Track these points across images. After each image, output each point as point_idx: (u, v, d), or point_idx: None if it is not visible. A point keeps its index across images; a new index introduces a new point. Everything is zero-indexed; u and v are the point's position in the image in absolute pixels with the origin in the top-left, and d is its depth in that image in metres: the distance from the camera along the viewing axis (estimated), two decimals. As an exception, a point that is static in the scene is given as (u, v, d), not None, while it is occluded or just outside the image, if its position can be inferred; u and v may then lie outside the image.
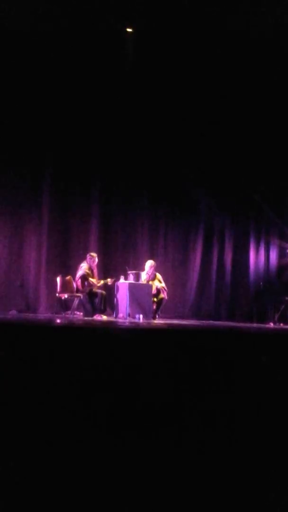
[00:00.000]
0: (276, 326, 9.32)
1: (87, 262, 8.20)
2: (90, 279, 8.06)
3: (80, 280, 8.06)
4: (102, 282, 8.22)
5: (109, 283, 8.25)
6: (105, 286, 8.26)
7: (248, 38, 8.20)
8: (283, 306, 9.84)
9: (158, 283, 8.63)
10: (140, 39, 8.42)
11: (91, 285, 8.03)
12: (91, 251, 8.63)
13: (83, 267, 8.10)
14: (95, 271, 8.34)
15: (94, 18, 7.86)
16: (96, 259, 8.33)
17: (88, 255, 8.33)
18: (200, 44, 8.39)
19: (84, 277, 8.04)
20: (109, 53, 8.57)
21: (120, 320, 7.74)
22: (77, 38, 8.21)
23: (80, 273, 8.07)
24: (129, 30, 8.48)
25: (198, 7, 7.62)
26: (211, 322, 9.57)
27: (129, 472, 2.15)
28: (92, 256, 8.29)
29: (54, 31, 8.01)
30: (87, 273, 8.06)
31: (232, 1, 7.59)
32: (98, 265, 8.55)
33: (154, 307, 8.49)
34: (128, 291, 7.96)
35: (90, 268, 8.17)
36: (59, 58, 8.51)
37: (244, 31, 8.07)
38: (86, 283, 8.04)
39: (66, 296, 8.11)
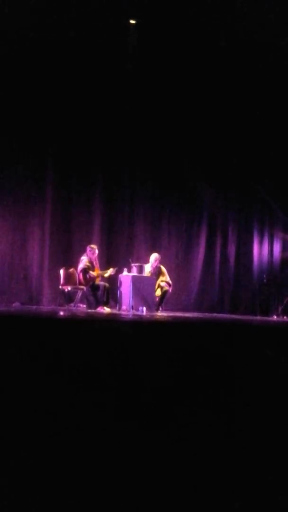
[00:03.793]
0: (279, 319, 9.33)
1: (87, 255, 8.13)
2: (91, 272, 8.03)
3: (81, 273, 8.04)
4: (104, 273, 8.15)
5: (112, 273, 8.19)
6: (108, 278, 8.23)
7: (252, 30, 8.13)
8: (286, 299, 9.84)
9: (161, 279, 8.61)
10: (143, 31, 8.36)
11: (92, 278, 8.00)
12: (92, 243, 8.58)
13: (83, 261, 8.06)
14: (97, 262, 8.28)
15: (96, 10, 7.81)
16: (96, 251, 8.24)
17: (88, 247, 8.24)
18: (203, 34, 8.32)
19: (85, 271, 8.00)
20: (112, 44, 8.51)
21: (123, 313, 7.74)
22: (81, 29, 8.15)
23: (81, 266, 8.05)
24: (132, 22, 8.43)
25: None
26: (214, 314, 9.57)
27: (129, 464, 2.16)
28: (92, 248, 8.22)
29: (56, 22, 7.96)
30: (88, 266, 8.02)
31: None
32: (101, 257, 8.51)
33: (158, 299, 8.49)
34: (131, 284, 7.94)
35: (91, 261, 8.11)
36: (61, 49, 8.45)
37: (247, 24, 8.00)
38: (87, 276, 8.01)
39: (69, 288, 8.12)
